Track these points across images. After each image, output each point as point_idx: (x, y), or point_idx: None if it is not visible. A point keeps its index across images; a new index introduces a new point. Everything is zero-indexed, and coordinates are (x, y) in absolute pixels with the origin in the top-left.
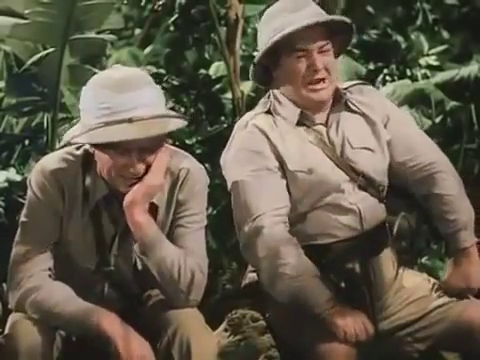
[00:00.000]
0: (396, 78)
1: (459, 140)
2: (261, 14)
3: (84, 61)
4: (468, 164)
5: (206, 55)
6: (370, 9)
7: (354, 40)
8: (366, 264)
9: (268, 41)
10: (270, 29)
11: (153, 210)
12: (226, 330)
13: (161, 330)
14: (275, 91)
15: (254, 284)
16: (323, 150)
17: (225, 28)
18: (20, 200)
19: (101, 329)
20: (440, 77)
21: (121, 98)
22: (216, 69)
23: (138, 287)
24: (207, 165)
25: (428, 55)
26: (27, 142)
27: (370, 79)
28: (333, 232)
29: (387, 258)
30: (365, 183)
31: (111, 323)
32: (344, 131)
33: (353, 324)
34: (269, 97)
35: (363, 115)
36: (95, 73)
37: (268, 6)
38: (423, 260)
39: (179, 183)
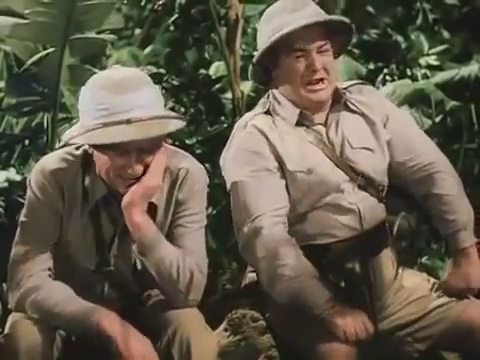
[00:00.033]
0: (396, 78)
1: (459, 140)
2: (261, 14)
3: (84, 61)
4: (468, 164)
5: (206, 55)
6: (370, 9)
7: (354, 40)
8: (366, 264)
9: (267, 41)
10: (269, 29)
11: (152, 210)
12: (226, 330)
13: (161, 330)
14: (274, 91)
15: (254, 284)
16: (323, 150)
17: (225, 28)
18: (20, 200)
19: (101, 328)
20: (440, 77)
21: (119, 99)
22: (216, 69)
23: (138, 287)
24: (207, 165)
25: (428, 55)
26: (27, 142)
27: (370, 79)
28: (333, 232)
29: (387, 258)
30: (365, 183)
31: (111, 322)
32: (344, 131)
33: (353, 324)
34: (268, 97)
35: (363, 115)
36: (95, 73)
37: (268, 6)
38: (423, 260)
39: (178, 183)
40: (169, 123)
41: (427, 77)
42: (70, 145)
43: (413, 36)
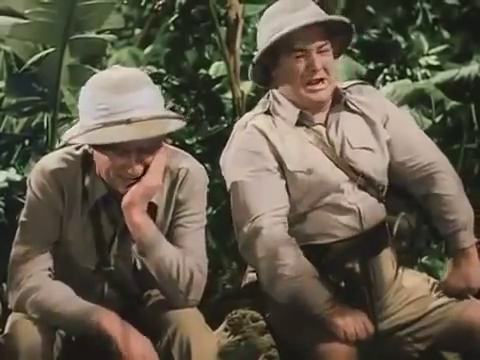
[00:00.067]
0: (396, 78)
1: (459, 140)
2: (261, 14)
3: (84, 61)
4: (468, 164)
5: (206, 55)
6: (370, 9)
7: (354, 40)
8: (366, 264)
9: (267, 41)
10: (269, 29)
11: (152, 210)
12: (226, 330)
13: (161, 330)
14: (274, 91)
15: (254, 284)
16: (323, 150)
17: (225, 28)
18: (20, 200)
19: (101, 328)
20: (440, 77)
21: (119, 99)
22: (216, 69)
23: (138, 287)
24: (207, 165)
25: (428, 55)
26: (27, 142)
27: (370, 79)
28: (333, 232)
29: (387, 258)
30: (365, 183)
31: (111, 322)
32: (344, 131)
33: (353, 323)
34: (268, 97)
35: (362, 115)
36: (95, 73)
37: (268, 6)
38: (423, 260)
39: (178, 183)
40: (169, 123)
41: (427, 77)
42: (70, 145)
43: (413, 36)
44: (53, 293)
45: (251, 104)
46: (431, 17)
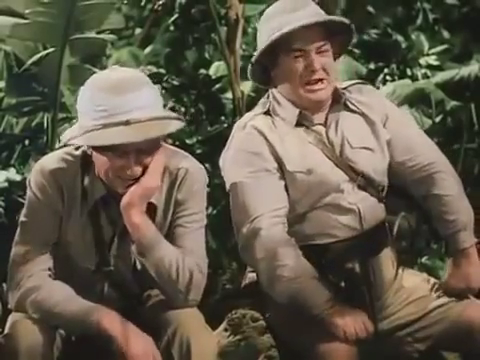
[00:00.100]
0: (396, 78)
1: (459, 140)
2: (261, 14)
3: (84, 61)
4: (468, 164)
5: (206, 55)
6: (370, 9)
7: (354, 40)
8: (366, 264)
9: (267, 40)
10: (269, 28)
11: (152, 210)
12: (226, 330)
13: (161, 330)
14: (274, 91)
15: (254, 284)
16: (322, 150)
17: (225, 28)
18: (20, 200)
19: (102, 328)
20: (440, 77)
21: (118, 100)
22: (216, 69)
23: (138, 287)
24: (207, 165)
25: (428, 55)
26: (27, 142)
27: (370, 79)
28: (332, 232)
29: (387, 258)
30: (365, 183)
31: (112, 321)
32: (343, 131)
33: (353, 323)
34: (268, 97)
35: (362, 115)
36: (95, 73)
37: (268, 6)
38: (423, 260)
39: (177, 183)
40: (168, 124)
41: (427, 77)
42: (69, 145)
43: (413, 36)
44: (53, 293)
45: (251, 104)
46: (431, 17)
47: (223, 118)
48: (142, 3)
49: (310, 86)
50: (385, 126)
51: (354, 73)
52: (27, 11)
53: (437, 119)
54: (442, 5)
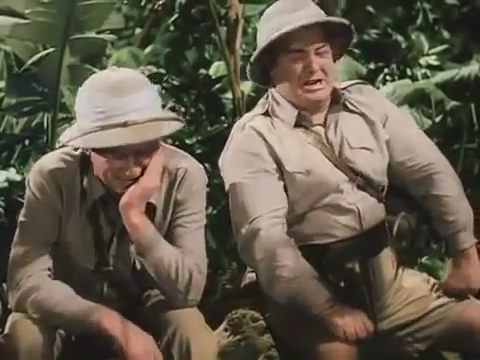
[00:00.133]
0: (396, 78)
1: (459, 140)
2: (261, 14)
3: (84, 61)
4: (468, 164)
5: (206, 55)
6: (370, 9)
7: (354, 40)
8: (365, 264)
9: (266, 39)
10: (268, 28)
11: (151, 210)
12: (226, 330)
13: (161, 330)
14: (274, 92)
15: (254, 284)
16: (321, 151)
17: (225, 28)
18: (20, 200)
19: (102, 327)
20: (440, 77)
21: (117, 102)
22: (216, 69)
23: (137, 287)
24: (207, 165)
25: (428, 55)
26: (27, 142)
27: (370, 79)
28: (332, 232)
29: (387, 258)
30: (364, 183)
31: (112, 321)
32: (343, 131)
33: (352, 323)
34: (268, 98)
35: (362, 115)
36: (95, 73)
37: (268, 6)
38: (423, 260)
39: (177, 183)
40: (166, 125)
41: (427, 77)
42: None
43: (413, 36)
44: (53, 293)
45: (251, 104)
46: (431, 17)
47: (223, 118)
48: (142, 3)
49: (308, 86)
50: (385, 126)
51: (354, 73)
52: (27, 11)
53: (437, 119)
54: (442, 5)
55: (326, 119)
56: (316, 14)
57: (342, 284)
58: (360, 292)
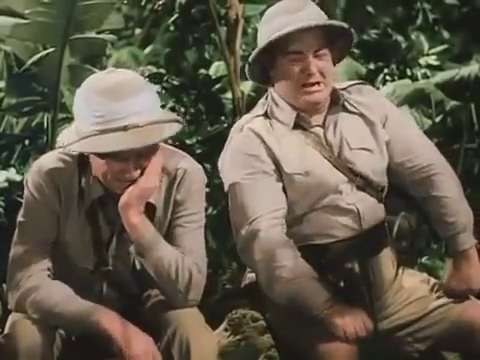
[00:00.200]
0: (396, 78)
1: (459, 140)
2: (261, 14)
3: (84, 61)
4: (468, 164)
5: (206, 55)
6: (370, 9)
7: (354, 40)
8: (365, 264)
9: (266, 40)
10: (269, 29)
11: (150, 210)
12: (226, 330)
13: (161, 330)
14: (273, 92)
15: (254, 284)
16: (320, 152)
17: (225, 28)
18: (20, 200)
19: (101, 328)
20: (440, 77)
21: (116, 106)
22: (216, 69)
23: (137, 287)
24: (207, 165)
25: (428, 55)
26: (27, 142)
27: (370, 79)
28: (331, 232)
29: (387, 258)
30: (363, 184)
31: (111, 321)
32: (342, 132)
33: (352, 322)
34: (267, 98)
35: (361, 115)
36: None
37: (269, 6)
38: (423, 260)
39: (176, 183)
40: (167, 128)
41: (427, 77)
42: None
43: (413, 36)
44: (52, 293)
45: (251, 104)
46: (431, 17)
47: (223, 118)
48: (142, 3)
49: (306, 88)
50: (384, 126)
51: (354, 73)
52: (27, 11)
53: (437, 119)
54: (442, 5)
55: (325, 120)
56: (316, 16)
57: (342, 284)
58: (360, 292)
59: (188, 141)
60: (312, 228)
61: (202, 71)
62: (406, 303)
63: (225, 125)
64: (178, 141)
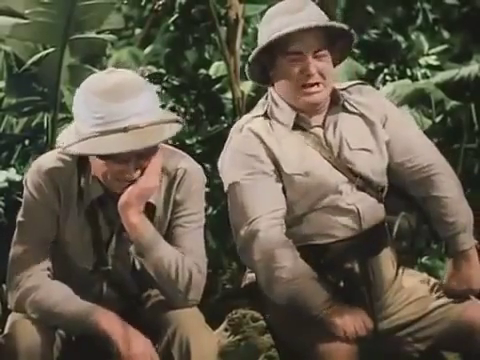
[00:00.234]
0: (396, 78)
1: (459, 140)
2: (262, 14)
3: (84, 61)
4: (468, 164)
5: (206, 55)
6: (370, 9)
7: (354, 41)
8: (365, 264)
9: (266, 40)
10: (269, 29)
11: (150, 210)
12: (226, 330)
13: (161, 330)
14: (273, 93)
15: (254, 284)
16: (320, 152)
17: (225, 28)
18: (20, 200)
19: (100, 328)
20: (440, 77)
21: (116, 107)
22: (216, 69)
23: (137, 287)
24: (207, 165)
25: (428, 55)
26: (27, 142)
27: (370, 79)
28: (331, 232)
29: (386, 258)
30: (363, 184)
31: (110, 322)
32: (342, 132)
33: (352, 322)
34: (267, 98)
35: (361, 115)
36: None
37: (269, 6)
38: (423, 260)
39: (176, 183)
40: (167, 128)
41: (427, 77)
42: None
43: (413, 36)
44: (52, 293)
45: (251, 104)
46: (431, 17)
47: (223, 118)
48: (142, 3)
49: (306, 89)
50: (384, 127)
51: (354, 73)
52: (27, 11)
53: (437, 119)
54: (442, 5)
55: (325, 120)
56: (317, 17)
57: (342, 284)
58: (360, 292)
59: (188, 141)
60: (312, 228)
61: (202, 71)
62: (406, 303)
63: (225, 125)
64: (178, 141)
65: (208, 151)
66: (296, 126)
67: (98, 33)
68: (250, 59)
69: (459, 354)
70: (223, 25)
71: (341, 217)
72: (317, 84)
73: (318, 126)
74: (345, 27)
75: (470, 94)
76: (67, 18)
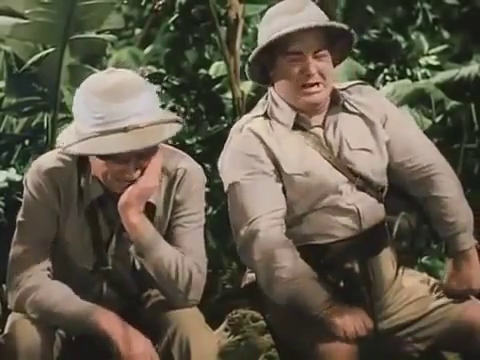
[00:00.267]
0: (396, 78)
1: (459, 140)
2: (262, 14)
3: (84, 61)
4: (468, 164)
5: (206, 55)
6: (370, 9)
7: (354, 41)
8: (365, 264)
9: (266, 40)
10: (269, 29)
11: (150, 210)
12: (226, 330)
13: (161, 330)
14: (273, 92)
15: (254, 284)
16: (320, 152)
17: (225, 28)
18: (20, 200)
19: (100, 328)
20: (440, 77)
21: (116, 107)
22: (216, 69)
23: (137, 287)
24: (207, 165)
25: (428, 55)
26: (27, 142)
27: (370, 79)
28: (331, 232)
29: (386, 258)
30: (363, 184)
31: (110, 322)
32: (342, 132)
33: (352, 322)
34: (267, 98)
35: (361, 115)
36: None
37: (269, 6)
38: (423, 260)
39: (176, 183)
40: (167, 128)
41: (427, 77)
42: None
43: (413, 36)
44: (52, 293)
45: (251, 104)
46: (431, 17)
47: (223, 118)
48: (142, 3)
49: (306, 89)
50: (384, 127)
51: (354, 73)
52: (27, 11)
53: (437, 119)
54: (442, 5)
55: (325, 120)
56: (317, 17)
57: (341, 284)
58: (360, 292)
59: (188, 141)
60: (312, 228)
61: (202, 71)
62: (406, 303)
63: (225, 125)
64: (178, 141)
65: (208, 151)
66: (296, 126)
67: (98, 33)
68: (250, 59)
69: (459, 354)
70: (223, 25)
71: (341, 217)
72: (317, 84)
73: (318, 126)
74: (345, 27)
75: (470, 94)
76: (67, 18)
